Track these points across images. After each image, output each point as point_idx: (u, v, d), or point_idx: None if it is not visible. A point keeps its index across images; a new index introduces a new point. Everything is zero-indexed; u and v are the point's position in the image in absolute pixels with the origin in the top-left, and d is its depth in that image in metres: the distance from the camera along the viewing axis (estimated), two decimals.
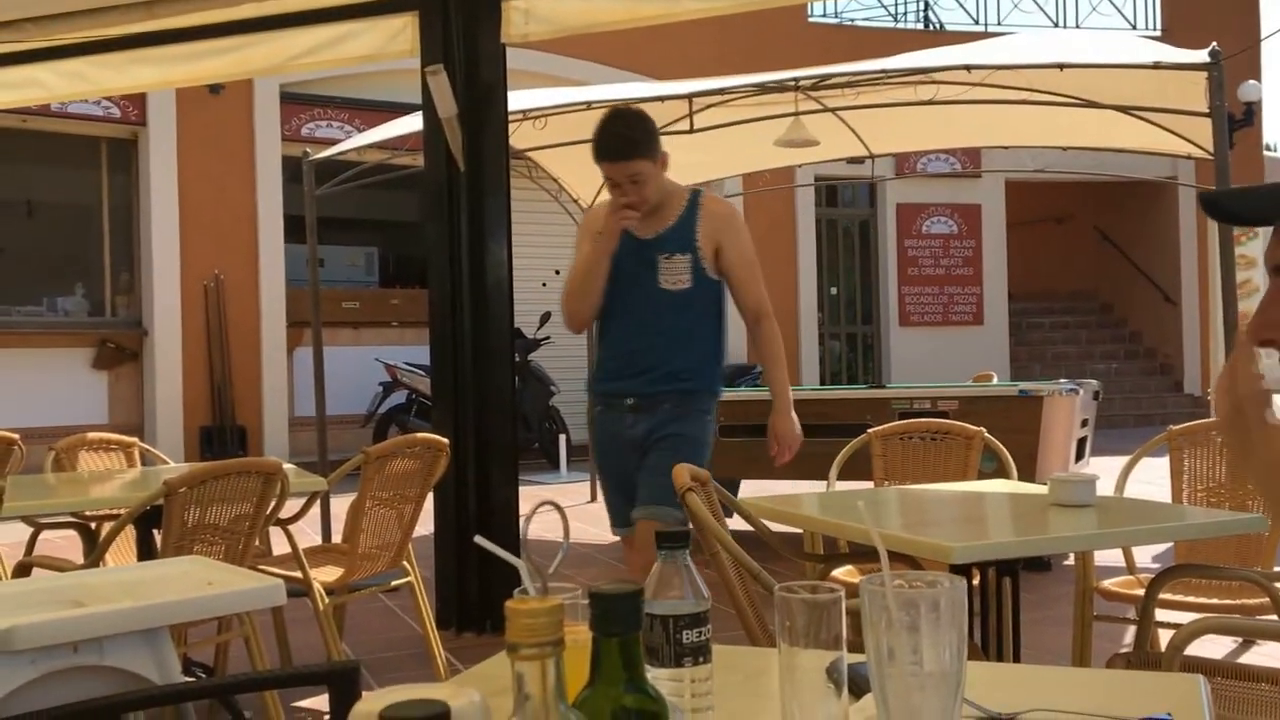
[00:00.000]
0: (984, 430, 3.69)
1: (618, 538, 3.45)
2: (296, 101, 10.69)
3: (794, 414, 3.44)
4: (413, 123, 6.74)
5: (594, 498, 8.63)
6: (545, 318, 9.89)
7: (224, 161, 10.29)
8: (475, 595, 4.68)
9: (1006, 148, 7.61)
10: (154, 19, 4.86)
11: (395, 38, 4.75)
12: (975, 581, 2.51)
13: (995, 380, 7.97)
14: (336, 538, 5.32)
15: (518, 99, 5.48)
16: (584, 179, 8.32)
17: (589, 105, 5.75)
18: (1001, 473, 3.53)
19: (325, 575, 3.65)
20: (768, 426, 3.42)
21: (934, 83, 5.63)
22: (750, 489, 7.09)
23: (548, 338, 10.36)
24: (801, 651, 1.06)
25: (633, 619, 0.71)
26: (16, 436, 4.63)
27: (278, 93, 10.49)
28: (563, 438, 10.43)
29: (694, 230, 3.16)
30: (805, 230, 13.16)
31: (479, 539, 1.02)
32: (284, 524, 3.51)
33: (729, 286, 3.28)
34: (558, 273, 11.58)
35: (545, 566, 1.02)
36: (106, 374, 9.95)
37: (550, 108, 5.77)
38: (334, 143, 8.52)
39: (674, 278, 3.12)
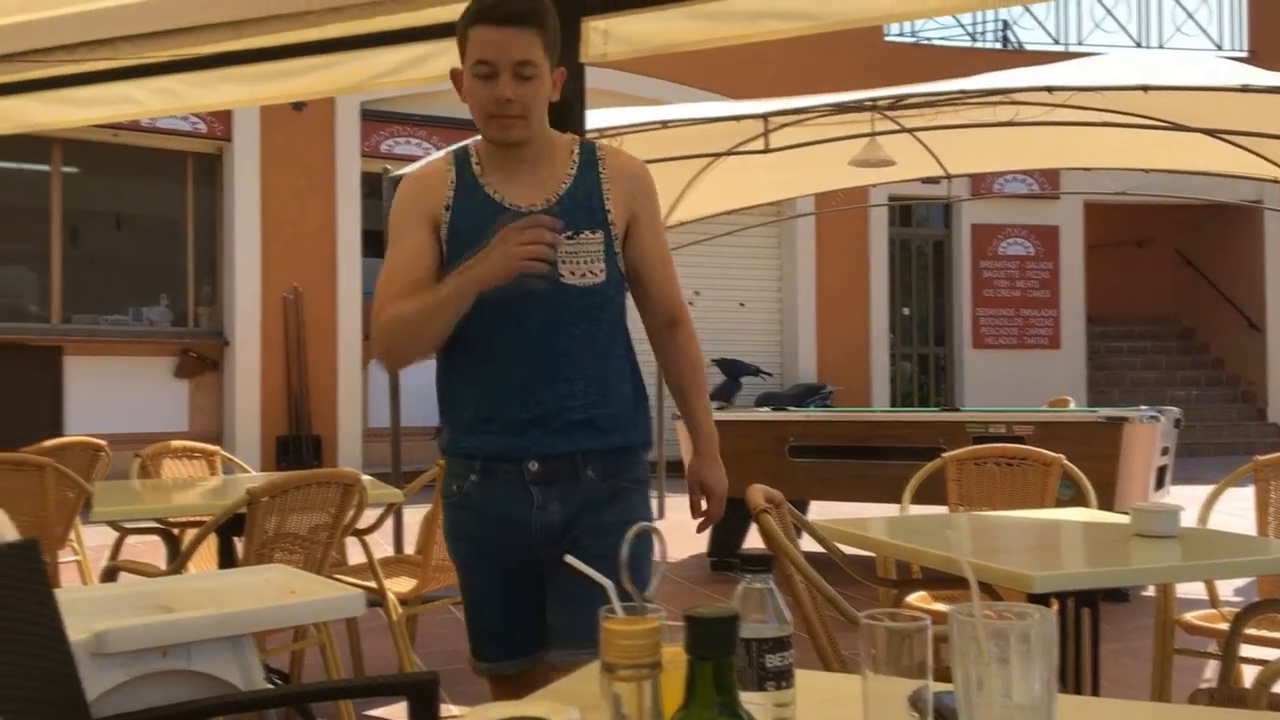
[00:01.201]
0: (1063, 457, 3.63)
1: (695, 553, 3.20)
2: (376, 119, 10.88)
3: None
4: None
5: (661, 514, 8.63)
6: None
7: (305, 177, 10.51)
8: None
9: (1086, 169, 7.49)
10: (241, 38, 4.98)
11: None
12: (1054, 611, 2.47)
13: (1072, 405, 7.83)
14: (408, 549, 5.39)
15: (594, 118, 5.52)
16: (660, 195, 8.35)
17: (664, 125, 5.78)
18: (1080, 500, 3.47)
19: (399, 586, 3.70)
20: (688, 472, 2.35)
21: (1014, 103, 5.57)
22: (818, 510, 7.04)
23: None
24: (886, 679, 1.05)
25: (727, 643, 0.71)
26: (104, 443, 4.77)
27: (358, 110, 10.70)
28: None
29: (601, 194, 2.07)
30: (878, 250, 13.07)
31: (569, 559, 1.03)
32: (361, 534, 3.57)
33: (636, 277, 2.17)
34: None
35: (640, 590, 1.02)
36: (188, 382, 10.20)
37: (626, 127, 5.81)
38: (413, 159, 8.68)
39: (582, 267, 2.02)
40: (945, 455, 3.78)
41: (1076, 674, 2.44)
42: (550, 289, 1.98)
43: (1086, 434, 5.41)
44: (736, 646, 0.72)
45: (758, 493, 2.46)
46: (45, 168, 10.11)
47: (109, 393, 9.59)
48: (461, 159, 2.11)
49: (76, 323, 10.10)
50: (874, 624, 1.05)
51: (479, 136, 2.10)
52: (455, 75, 2.07)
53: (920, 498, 3.71)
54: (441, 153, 2.31)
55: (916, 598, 3.14)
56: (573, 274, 2.03)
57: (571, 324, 2.03)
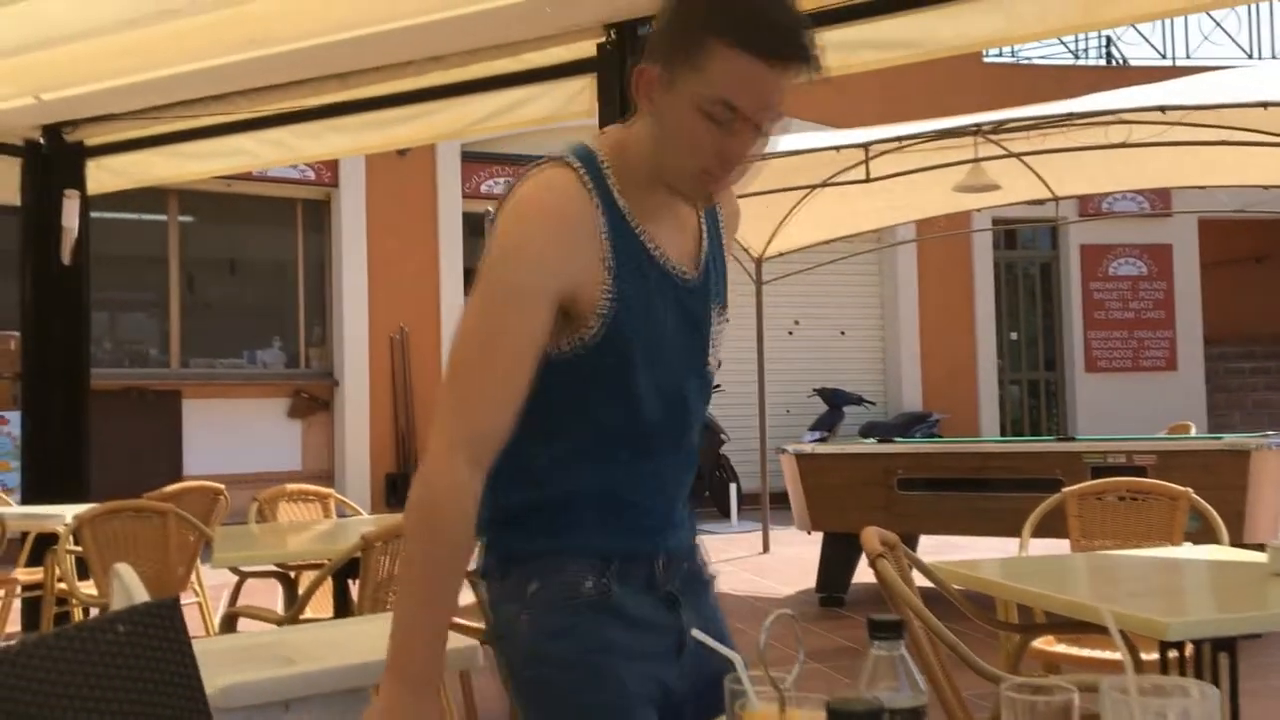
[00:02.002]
0: (1190, 491, 3.48)
1: (802, 589, 3.12)
2: (476, 160, 11.08)
3: None
4: None
5: (766, 548, 8.55)
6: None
7: (409, 219, 10.74)
8: None
9: (1201, 187, 7.24)
10: (347, 90, 5.13)
11: (574, 99, 4.87)
12: (1187, 653, 2.36)
13: (1193, 432, 7.54)
14: None
15: None
16: (755, 229, 8.33)
17: (762, 158, 5.75)
18: (1209, 535, 3.32)
19: None
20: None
21: (1124, 123, 5.41)
22: (929, 545, 6.88)
23: (717, 385, 10.32)
24: None
25: None
26: (222, 487, 4.90)
27: (459, 153, 10.90)
28: (733, 486, 10.38)
29: (723, 248, 1.65)
30: (983, 274, 12.81)
31: (696, 633, 1.00)
32: (471, 576, 3.58)
33: None
34: (727, 321, 11.60)
35: (780, 678, 0.99)
36: (300, 423, 10.45)
37: None
38: None
39: (718, 351, 1.61)
40: (1065, 490, 3.65)
41: None
42: (698, 380, 1.57)
43: (1212, 463, 5.20)
44: None
45: (873, 536, 2.40)
46: (163, 217, 10.50)
47: (226, 434, 9.88)
48: (599, 181, 1.44)
49: (194, 366, 10.44)
50: (1018, 697, 1.01)
51: (593, 136, 1.51)
52: (645, 76, 1.42)
53: (1038, 531, 3.60)
54: (560, 160, 1.46)
55: (1041, 642, 3.03)
56: (714, 360, 1.59)
57: (701, 414, 1.62)
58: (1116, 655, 2.93)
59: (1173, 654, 2.35)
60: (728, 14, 1.36)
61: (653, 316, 1.48)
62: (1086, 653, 3.13)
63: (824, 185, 6.46)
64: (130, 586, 1.82)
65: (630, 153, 1.47)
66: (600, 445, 1.51)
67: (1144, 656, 2.56)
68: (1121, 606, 2.32)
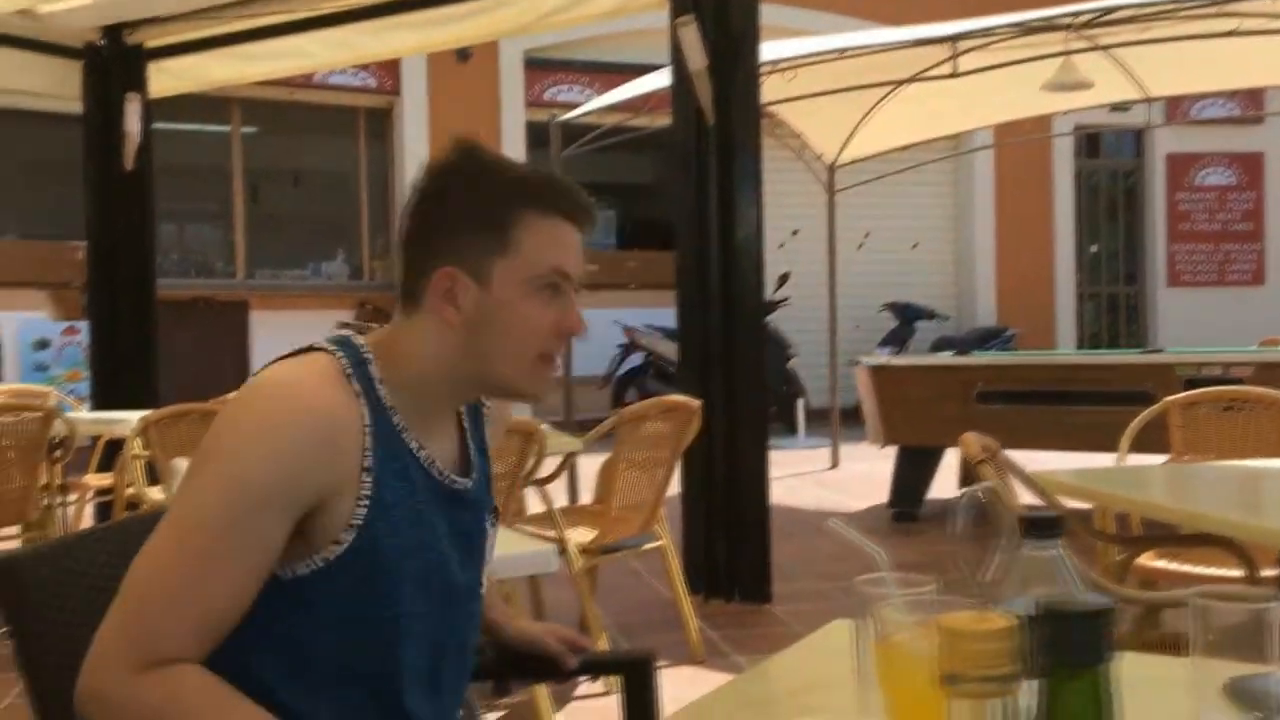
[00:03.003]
0: None
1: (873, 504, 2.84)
2: (540, 66, 10.83)
3: None
4: (656, 81, 6.66)
5: (835, 464, 8.40)
6: (783, 278, 9.66)
7: (471, 127, 10.37)
8: (724, 561, 4.57)
9: None
10: None
11: None
12: None
13: None
14: (581, 499, 5.34)
15: (768, 50, 5.27)
16: (829, 134, 8.03)
17: (841, 54, 5.47)
18: None
19: (579, 536, 3.61)
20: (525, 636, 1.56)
21: (1233, 15, 5.04)
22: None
23: (786, 299, 10.13)
24: (1221, 665, 0.86)
25: (1099, 647, 0.53)
26: None
27: (521, 58, 10.66)
28: (800, 401, 10.21)
29: (487, 448, 1.43)
30: (1063, 183, 12.34)
31: (834, 522, 0.85)
32: (540, 484, 3.49)
33: None
34: (795, 233, 11.32)
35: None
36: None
37: (801, 57, 5.52)
38: (576, 106, 8.57)
39: (490, 566, 1.42)
40: (1168, 399, 3.43)
41: None
42: (468, 614, 1.35)
43: None
44: (1109, 651, 0.53)
45: (974, 441, 2.24)
46: (226, 128, 10.44)
47: (292, 346, 9.89)
48: (361, 370, 1.23)
49: (260, 278, 10.45)
50: (1210, 605, 0.85)
51: (346, 335, 1.27)
52: (445, 280, 1.24)
53: (1135, 445, 3.39)
54: (316, 348, 1.25)
55: (1146, 557, 2.86)
56: (486, 584, 1.39)
57: (470, 655, 1.39)
58: (1223, 572, 2.75)
59: None
60: (523, 190, 1.26)
61: (420, 528, 1.24)
62: (1190, 568, 2.95)
63: (910, 81, 6.14)
64: None
65: (400, 354, 1.25)
66: (339, 690, 1.22)
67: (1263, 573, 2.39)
68: (1244, 517, 2.14)
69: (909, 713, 0.76)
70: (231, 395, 1.23)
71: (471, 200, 1.25)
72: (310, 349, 1.24)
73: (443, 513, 1.28)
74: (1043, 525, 0.94)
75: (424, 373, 1.26)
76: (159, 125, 6.30)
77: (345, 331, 1.29)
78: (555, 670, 1.53)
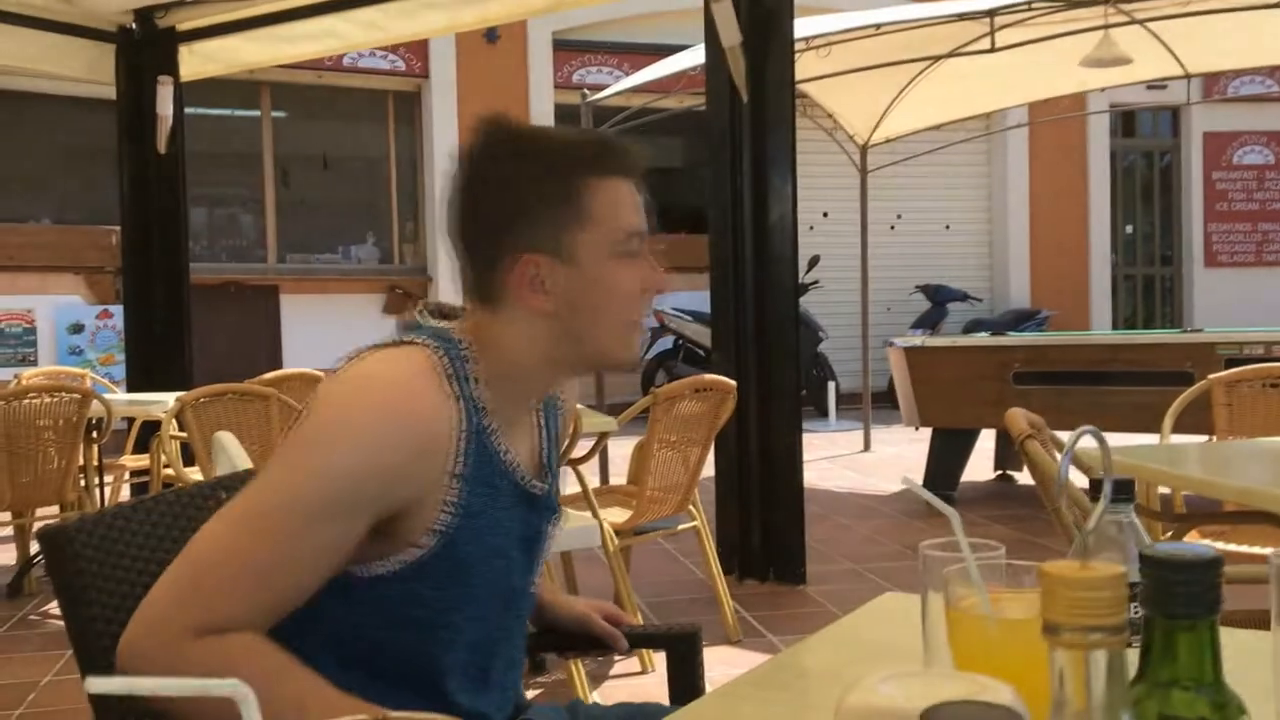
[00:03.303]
0: None
1: (904, 486, 2.60)
2: (568, 48, 10.79)
3: None
4: (687, 60, 6.60)
5: (867, 447, 8.35)
6: (814, 261, 9.60)
7: (500, 110, 10.52)
8: (758, 542, 4.55)
9: None
10: None
11: None
12: None
13: None
14: (614, 480, 5.32)
15: (802, 26, 5.21)
16: (862, 114, 7.95)
17: (878, 29, 5.40)
18: None
19: (613, 517, 3.60)
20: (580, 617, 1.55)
21: None
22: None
23: (816, 282, 10.07)
24: None
25: (1211, 597, 0.50)
26: (323, 374, 4.85)
27: (550, 40, 10.62)
28: (831, 385, 10.15)
29: (558, 449, 1.41)
30: (1098, 163, 12.18)
31: (907, 479, 0.82)
32: (575, 464, 3.47)
33: None
34: (825, 215, 11.24)
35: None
36: (396, 319, 10.47)
37: (836, 33, 5.46)
38: (605, 88, 8.52)
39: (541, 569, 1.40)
40: (1212, 377, 3.37)
41: None
42: (522, 615, 1.35)
43: None
44: (1221, 603, 0.50)
45: (1020, 417, 2.19)
46: (256, 113, 10.47)
47: (323, 329, 9.92)
48: (459, 369, 1.19)
49: (291, 262, 10.49)
50: None
51: (445, 328, 1.23)
52: (528, 266, 1.19)
53: (1178, 426, 3.34)
54: (413, 342, 1.20)
55: (1189, 536, 2.81)
56: (535, 586, 1.37)
57: (519, 660, 1.38)
58: (1269, 550, 2.70)
59: None
60: (583, 156, 1.21)
61: (497, 535, 1.21)
62: (1235, 547, 2.90)
63: (947, 56, 6.05)
64: (233, 454, 1.71)
65: (492, 351, 1.21)
66: (389, 683, 1.20)
67: None
68: None
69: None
70: (331, 377, 1.18)
71: (532, 178, 1.20)
72: (409, 341, 1.20)
73: (518, 516, 1.25)
74: (1119, 488, 0.91)
75: (517, 367, 1.22)
76: (191, 110, 6.31)
77: (443, 324, 1.23)
78: (601, 648, 1.51)
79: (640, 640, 1.38)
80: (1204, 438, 3.52)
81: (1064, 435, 2.65)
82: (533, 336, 1.21)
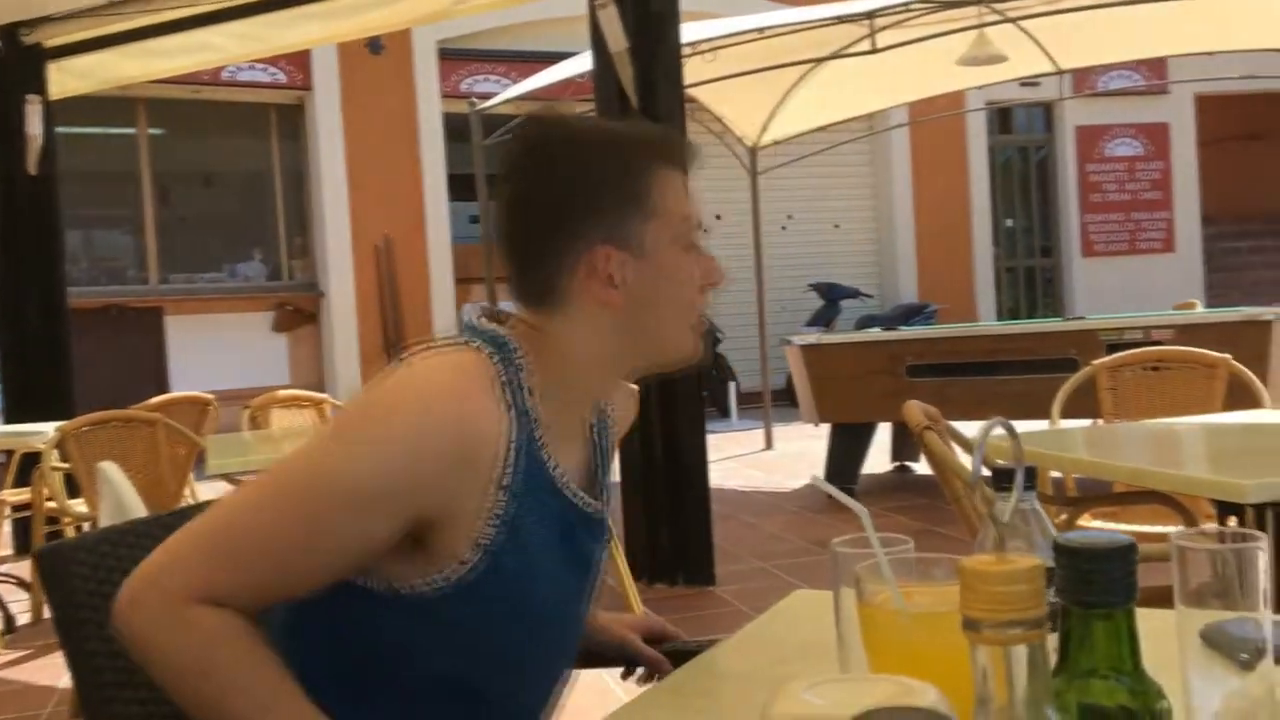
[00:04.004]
0: (1229, 357, 3.32)
1: (808, 483, 2.47)
2: (454, 57, 10.69)
3: None
4: (575, 66, 6.60)
5: (769, 445, 8.44)
6: None
7: (387, 122, 10.39)
8: (667, 545, 4.55)
9: (1210, 54, 6.98)
10: None
11: None
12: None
13: (1199, 309, 7.40)
14: None
15: (688, 31, 5.25)
16: (750, 117, 8.05)
17: (761, 33, 5.47)
18: (1248, 403, 3.18)
19: None
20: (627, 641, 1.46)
21: None
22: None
23: None
24: (1202, 614, 0.84)
25: (1126, 585, 0.50)
26: (211, 397, 4.71)
27: (435, 49, 10.51)
28: (732, 385, 10.25)
29: (609, 463, 1.34)
30: (977, 159, 12.53)
31: (814, 478, 0.82)
32: None
33: None
34: (718, 218, 11.35)
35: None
36: (286, 336, 10.23)
37: (720, 38, 5.51)
38: (493, 97, 8.46)
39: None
40: (1096, 363, 3.49)
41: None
42: (575, 636, 1.29)
43: (1232, 335, 5.04)
44: (1136, 590, 0.51)
45: (916, 409, 2.24)
46: (132, 130, 10.14)
47: (210, 350, 9.66)
48: (513, 377, 1.14)
49: (174, 282, 10.18)
50: (1191, 546, 0.83)
51: (501, 334, 1.17)
52: (600, 259, 1.15)
53: (1065, 411, 3.44)
54: (468, 344, 1.15)
55: (1083, 519, 2.89)
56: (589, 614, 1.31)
57: (558, 690, 1.30)
58: (1162, 529, 2.79)
59: (1232, 520, 2.21)
60: (649, 148, 1.18)
61: (547, 556, 1.15)
62: (1129, 527, 2.99)
63: (829, 59, 6.16)
64: (118, 485, 1.64)
65: (550, 356, 1.16)
66: (407, 704, 1.15)
67: (1203, 527, 2.43)
68: (1180, 470, 2.17)
69: (896, 673, 0.73)
70: (385, 371, 1.13)
71: (595, 170, 1.16)
72: (464, 342, 1.15)
73: (571, 536, 1.19)
74: (1011, 476, 0.92)
75: (575, 370, 1.17)
76: (62, 129, 6.08)
77: (499, 329, 1.17)
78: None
79: (682, 657, 1.33)
80: (1089, 421, 3.64)
81: (959, 425, 2.72)
82: (597, 337, 1.16)
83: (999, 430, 0.74)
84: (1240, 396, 3.26)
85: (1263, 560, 0.82)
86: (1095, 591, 0.50)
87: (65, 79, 5.86)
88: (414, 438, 1.05)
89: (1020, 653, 0.46)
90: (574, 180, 1.16)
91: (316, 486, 1.06)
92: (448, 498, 1.07)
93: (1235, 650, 0.89)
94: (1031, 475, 0.92)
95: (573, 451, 1.21)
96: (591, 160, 1.16)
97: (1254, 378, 3.23)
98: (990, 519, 0.60)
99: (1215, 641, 0.88)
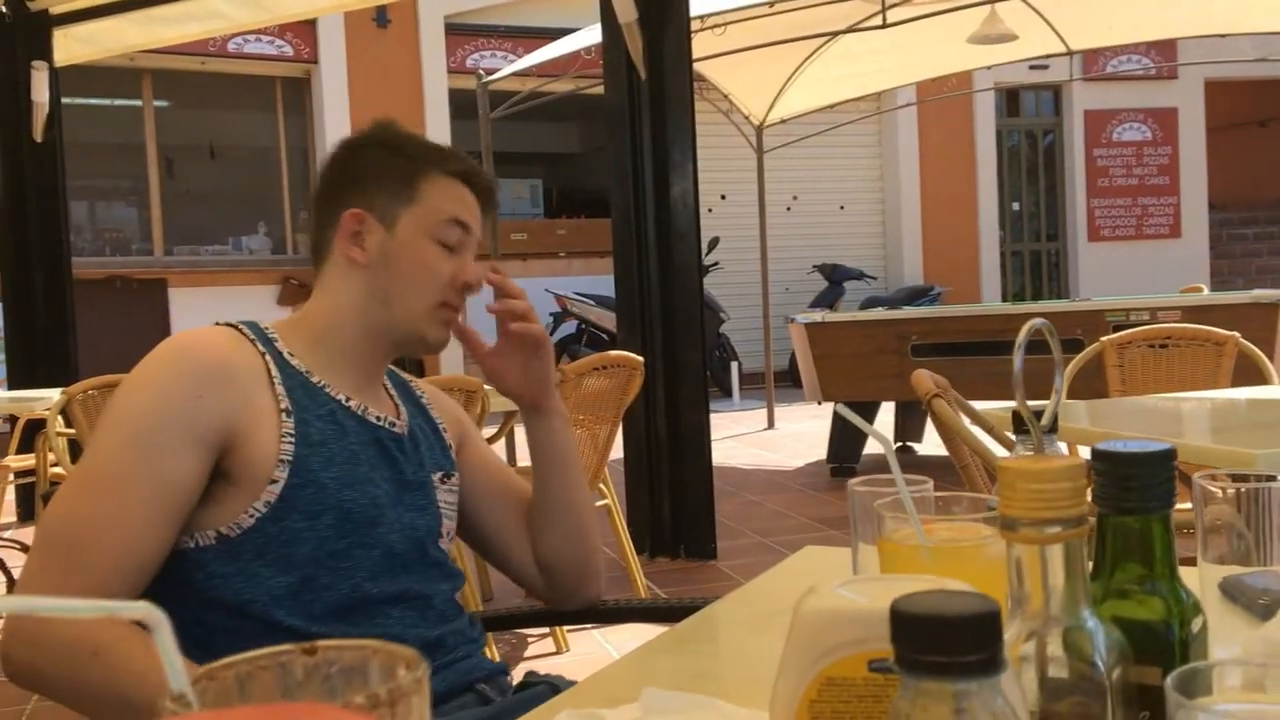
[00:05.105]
0: (1238, 335, 3.31)
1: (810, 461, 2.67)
2: (461, 32, 10.64)
3: None
4: (584, 39, 6.56)
5: (771, 424, 8.44)
6: (713, 243, 9.65)
7: (392, 96, 10.34)
8: (668, 520, 4.56)
9: (1222, 36, 6.94)
10: None
11: None
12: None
13: (1206, 293, 7.39)
14: (522, 461, 5.28)
15: (697, 4, 5.22)
16: (757, 94, 8.01)
17: (771, 6, 5.43)
18: (1256, 379, 3.17)
19: None
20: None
21: None
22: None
23: (716, 263, 10.12)
24: (1221, 569, 0.83)
25: (1167, 489, 0.50)
26: None
27: (442, 24, 10.46)
28: (734, 365, 10.24)
29: (433, 425, 1.45)
30: (985, 143, 12.48)
31: (840, 408, 0.82)
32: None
33: (484, 496, 1.49)
34: (724, 197, 11.31)
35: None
36: (290, 310, 10.22)
37: (731, 11, 5.47)
38: (497, 70, 8.43)
39: (451, 524, 1.41)
40: (1104, 339, 3.48)
41: None
42: (431, 579, 1.33)
43: (1239, 316, 5.03)
44: (1175, 496, 0.50)
45: (926, 378, 2.23)
46: (138, 102, 10.11)
47: (214, 322, 9.65)
48: (266, 341, 1.28)
49: (179, 254, 10.17)
50: (1214, 488, 0.82)
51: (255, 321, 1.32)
52: (354, 219, 1.30)
53: (1071, 392, 3.44)
54: (215, 326, 1.30)
55: None
56: (446, 537, 1.38)
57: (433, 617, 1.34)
58: None
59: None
60: (434, 155, 1.34)
61: (358, 466, 1.24)
62: None
63: (840, 33, 6.13)
64: None
65: (309, 313, 1.34)
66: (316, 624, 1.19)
67: None
68: (1193, 440, 2.16)
69: None
70: None
71: (384, 157, 1.33)
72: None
73: (383, 458, 1.30)
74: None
75: (335, 323, 1.31)
76: (69, 100, 6.07)
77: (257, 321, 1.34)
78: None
79: (659, 615, 1.38)
80: (1095, 402, 3.63)
81: (969, 403, 2.69)
82: (346, 291, 1.31)
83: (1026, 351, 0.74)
84: (1247, 375, 3.25)
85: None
86: (1133, 498, 0.50)
87: (71, 45, 5.84)
88: (169, 370, 1.18)
89: (1057, 553, 0.45)
90: (356, 162, 1.34)
91: (107, 459, 1.15)
92: (224, 411, 1.17)
93: (1254, 599, 0.89)
94: (1054, 420, 0.91)
95: (377, 401, 1.35)
96: (380, 148, 1.34)
97: (1261, 355, 3.22)
98: (1029, 423, 0.60)
99: (1234, 593, 0.87)
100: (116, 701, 1.07)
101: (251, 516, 1.17)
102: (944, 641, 0.37)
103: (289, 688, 0.45)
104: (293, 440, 1.20)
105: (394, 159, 1.32)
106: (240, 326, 1.29)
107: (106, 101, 10.19)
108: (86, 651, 1.07)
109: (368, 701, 0.39)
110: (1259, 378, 3.17)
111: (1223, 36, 6.91)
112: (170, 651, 0.40)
